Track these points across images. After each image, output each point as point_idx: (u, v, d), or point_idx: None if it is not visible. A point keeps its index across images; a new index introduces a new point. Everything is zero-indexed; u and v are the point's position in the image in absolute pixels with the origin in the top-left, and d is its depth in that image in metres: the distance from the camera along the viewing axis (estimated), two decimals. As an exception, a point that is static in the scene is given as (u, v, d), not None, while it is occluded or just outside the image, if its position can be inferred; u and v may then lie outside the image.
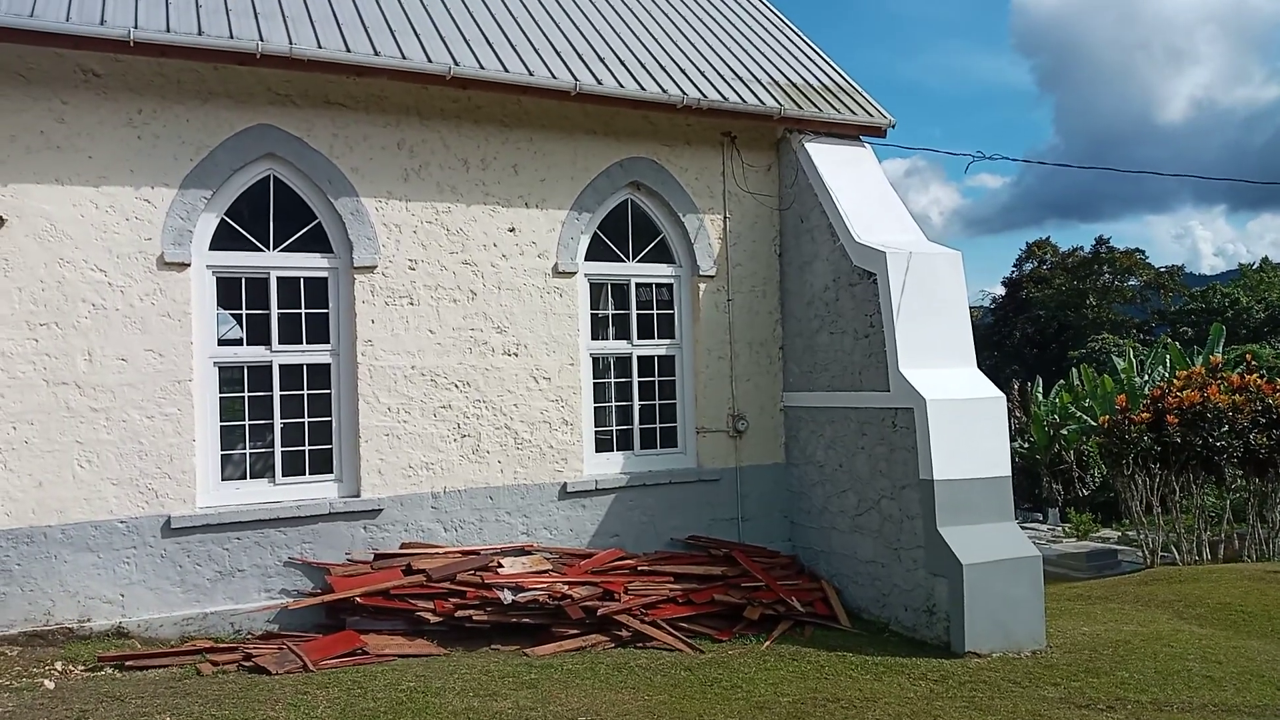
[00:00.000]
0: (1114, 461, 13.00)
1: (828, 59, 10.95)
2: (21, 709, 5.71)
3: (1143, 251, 53.00)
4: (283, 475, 8.00)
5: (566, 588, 7.87)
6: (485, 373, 8.64)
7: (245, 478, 7.94)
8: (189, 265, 7.61)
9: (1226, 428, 12.21)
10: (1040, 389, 26.54)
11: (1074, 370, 27.10)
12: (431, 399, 8.40)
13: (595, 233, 9.33)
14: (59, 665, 6.69)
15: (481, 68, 8.29)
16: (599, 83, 8.75)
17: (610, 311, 9.56)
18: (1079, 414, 23.20)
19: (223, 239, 7.87)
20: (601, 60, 9.17)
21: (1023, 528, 8.75)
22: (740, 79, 9.78)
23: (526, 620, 7.64)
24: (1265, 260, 50.65)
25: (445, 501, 8.42)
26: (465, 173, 8.63)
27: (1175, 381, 13.62)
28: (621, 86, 8.83)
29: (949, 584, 7.67)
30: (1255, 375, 13.64)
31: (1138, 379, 22.43)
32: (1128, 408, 13.09)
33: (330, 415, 8.19)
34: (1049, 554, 15.02)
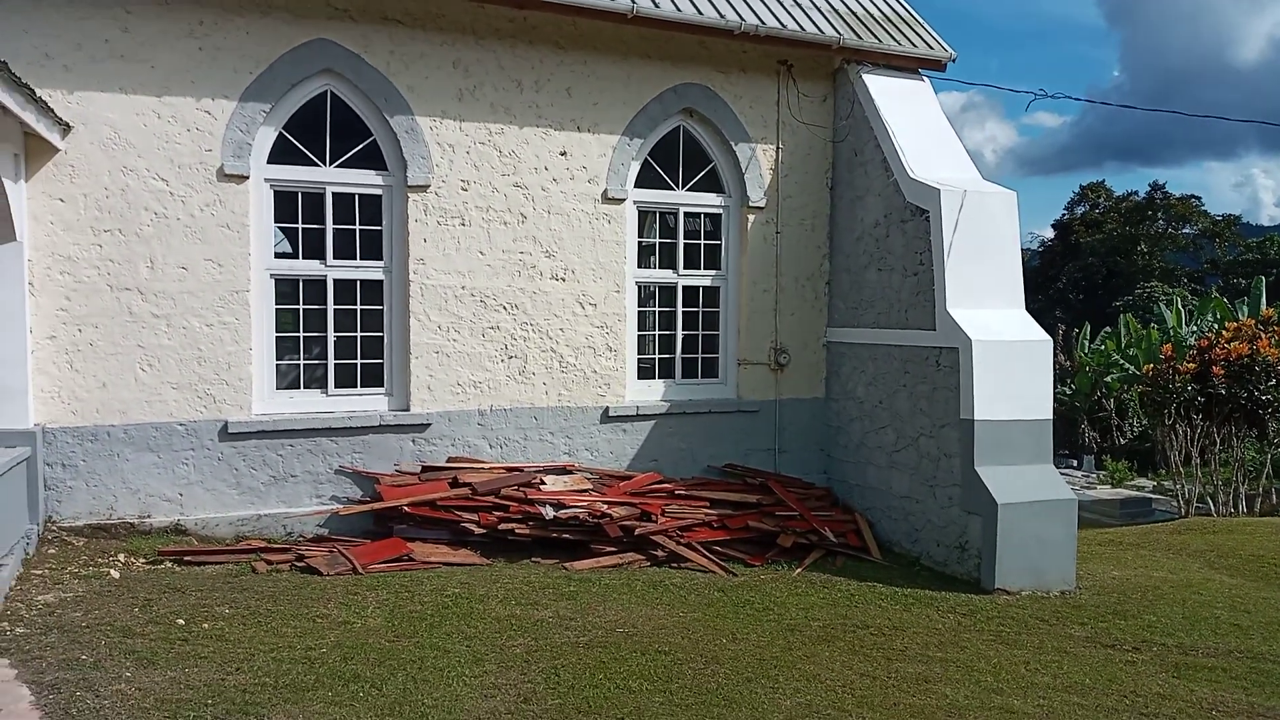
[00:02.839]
0: (1155, 411, 12.91)
1: (890, -12, 10.67)
2: (91, 595, 6.06)
3: (1199, 198, 51.24)
4: (335, 387, 8.23)
5: (606, 507, 8.08)
6: (533, 296, 8.75)
7: (299, 388, 8.18)
8: (248, 178, 7.74)
9: (1274, 381, 12.05)
10: (1087, 335, 26.17)
11: (1120, 318, 26.68)
12: (481, 319, 8.54)
13: (646, 159, 9.30)
14: (122, 557, 7.03)
15: (539, -13, 8.21)
16: (655, 5, 8.62)
17: (657, 240, 9.58)
18: (1122, 363, 22.91)
19: (280, 153, 7.97)
20: (659, -18, 9.02)
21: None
22: (799, 6, 9.57)
23: (566, 536, 7.87)
24: (1328, 212, 48.97)
25: (492, 419, 8.62)
26: (519, 94, 8.61)
27: (1224, 333, 13.40)
28: (678, 10, 8.71)
29: (983, 522, 7.77)
30: (1309, 330, 13.36)
31: (1183, 330, 22.03)
32: (1173, 357, 12.94)
33: (382, 331, 8.38)
34: (1083, 500, 14.89)
